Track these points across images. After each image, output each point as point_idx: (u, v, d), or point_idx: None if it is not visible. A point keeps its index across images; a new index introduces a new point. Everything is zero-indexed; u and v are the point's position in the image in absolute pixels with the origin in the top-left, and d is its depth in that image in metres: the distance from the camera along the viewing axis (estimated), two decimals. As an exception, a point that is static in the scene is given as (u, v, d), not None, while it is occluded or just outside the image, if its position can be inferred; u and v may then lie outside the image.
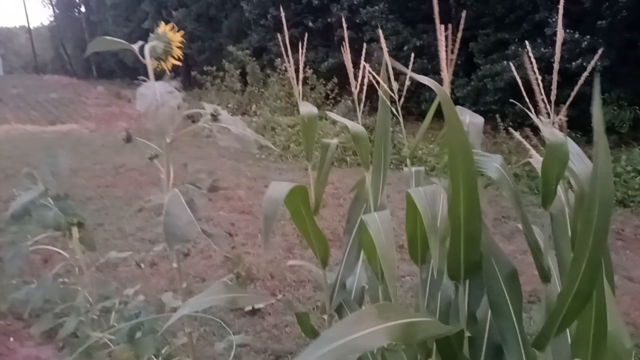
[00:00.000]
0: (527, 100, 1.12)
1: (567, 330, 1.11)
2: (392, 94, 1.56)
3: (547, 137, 0.94)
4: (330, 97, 12.50)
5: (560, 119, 1.05)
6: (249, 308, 3.52)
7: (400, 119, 1.58)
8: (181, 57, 1.53)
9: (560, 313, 0.94)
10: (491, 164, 1.16)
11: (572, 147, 1.10)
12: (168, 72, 1.52)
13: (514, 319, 1.19)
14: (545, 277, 1.13)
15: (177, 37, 1.49)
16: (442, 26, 1.25)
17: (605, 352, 1.03)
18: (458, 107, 1.28)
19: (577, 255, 0.90)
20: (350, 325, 0.98)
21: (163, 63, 1.51)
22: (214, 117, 1.42)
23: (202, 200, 1.39)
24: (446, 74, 1.34)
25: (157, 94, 1.25)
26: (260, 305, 3.57)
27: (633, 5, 8.22)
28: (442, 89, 1.04)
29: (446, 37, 1.30)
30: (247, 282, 3.55)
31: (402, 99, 1.57)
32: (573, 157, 1.09)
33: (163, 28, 1.48)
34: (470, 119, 1.48)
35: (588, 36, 8.67)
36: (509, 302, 1.17)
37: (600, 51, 1.37)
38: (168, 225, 1.29)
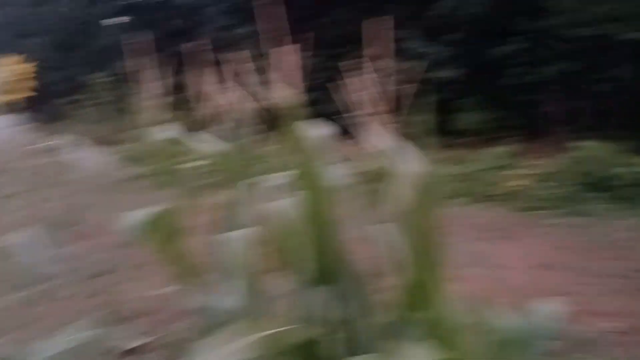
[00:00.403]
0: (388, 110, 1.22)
1: (415, 316, 1.22)
2: (261, 113, 1.60)
3: (373, 144, 1.04)
4: (202, 120, 12.33)
5: (394, 126, 1.16)
6: (127, 347, 3.34)
7: (268, 136, 1.62)
8: (34, 88, 1.45)
9: (404, 302, 1.04)
10: (338, 173, 1.25)
11: (409, 151, 1.23)
12: (21, 105, 1.43)
13: (370, 315, 1.28)
14: (392, 271, 1.24)
15: (26, 68, 1.41)
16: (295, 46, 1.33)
17: (451, 332, 1.14)
18: (314, 120, 1.37)
19: (412, 249, 1.00)
20: (221, 342, 1.00)
21: (14, 96, 1.42)
22: (73, 150, 1.37)
23: (62, 237, 1.34)
24: (296, 92, 1.42)
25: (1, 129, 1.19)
26: (139, 343, 3.41)
27: (486, 17, 9.18)
28: (287, 104, 1.11)
29: (302, 56, 1.38)
30: (121, 320, 3.38)
31: (270, 117, 1.61)
32: (409, 160, 1.21)
33: (7, 60, 1.39)
34: (321, 131, 1.57)
35: (446, 47, 9.53)
36: (364, 301, 1.26)
37: (455, 62, 1.53)
38: (24, 267, 1.22)
